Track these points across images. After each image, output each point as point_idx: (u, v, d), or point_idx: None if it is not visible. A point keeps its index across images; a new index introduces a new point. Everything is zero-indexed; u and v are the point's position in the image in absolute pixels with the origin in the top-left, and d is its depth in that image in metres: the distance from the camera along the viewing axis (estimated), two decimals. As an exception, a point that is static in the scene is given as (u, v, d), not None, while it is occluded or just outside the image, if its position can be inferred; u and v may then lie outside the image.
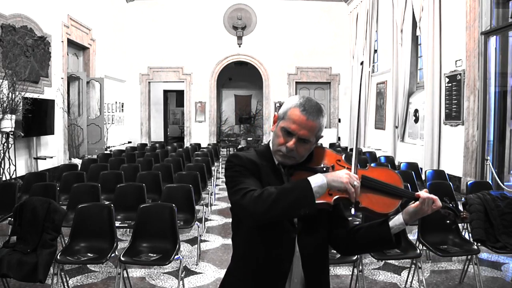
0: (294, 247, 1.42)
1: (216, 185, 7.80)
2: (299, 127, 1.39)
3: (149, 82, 13.37)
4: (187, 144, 12.49)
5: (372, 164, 5.69)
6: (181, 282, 3.34)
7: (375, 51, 11.35)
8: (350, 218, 1.55)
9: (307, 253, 1.44)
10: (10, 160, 6.27)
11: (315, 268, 1.45)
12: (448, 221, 1.47)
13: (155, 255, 3.17)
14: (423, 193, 1.40)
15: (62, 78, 8.46)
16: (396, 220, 1.44)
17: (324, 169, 1.43)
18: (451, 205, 1.46)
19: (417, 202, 1.39)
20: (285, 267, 1.41)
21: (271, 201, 1.27)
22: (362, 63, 1.81)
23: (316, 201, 1.28)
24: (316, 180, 1.29)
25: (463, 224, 4.19)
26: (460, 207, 1.54)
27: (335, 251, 1.80)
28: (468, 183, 4.67)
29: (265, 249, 1.42)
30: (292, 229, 1.42)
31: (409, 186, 4.26)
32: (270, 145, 1.51)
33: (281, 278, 1.41)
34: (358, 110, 1.72)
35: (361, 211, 1.41)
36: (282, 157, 1.43)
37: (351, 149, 9.49)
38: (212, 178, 7.06)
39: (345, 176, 1.31)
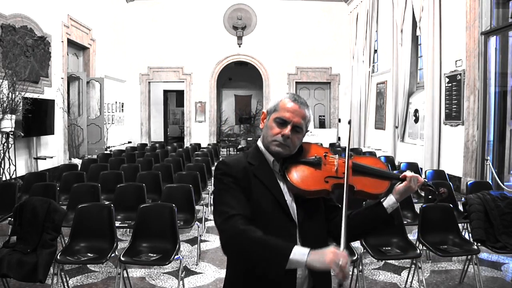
0: (295, 243, 1.40)
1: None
2: (293, 115, 1.47)
3: (149, 82, 13.37)
4: (187, 144, 12.49)
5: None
6: (181, 282, 3.34)
7: (375, 51, 11.35)
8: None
9: (308, 246, 1.40)
10: (10, 160, 6.27)
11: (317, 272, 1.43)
12: (430, 196, 1.60)
13: (155, 255, 3.17)
14: (408, 173, 1.53)
15: (62, 78, 8.46)
16: (389, 200, 1.53)
17: (317, 158, 1.53)
18: (430, 185, 1.60)
19: (406, 181, 1.51)
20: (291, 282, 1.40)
21: (247, 245, 1.28)
22: (349, 122, 1.88)
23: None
24: (299, 253, 1.25)
25: (463, 224, 4.19)
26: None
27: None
28: (468, 183, 4.67)
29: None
30: (291, 225, 1.44)
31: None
32: (260, 144, 1.54)
33: (287, 276, 1.37)
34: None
35: (356, 195, 1.52)
36: (279, 146, 1.47)
37: (352, 149, 9.47)
38: (212, 178, 7.05)
39: (329, 256, 1.23)
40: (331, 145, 10.58)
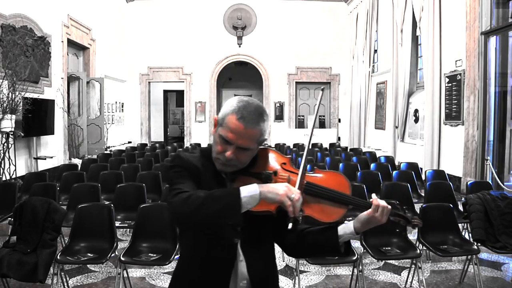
0: (236, 252, 1.36)
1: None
2: (237, 137, 1.30)
3: (149, 82, 13.38)
4: (187, 144, 12.50)
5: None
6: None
7: (375, 51, 11.35)
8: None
9: (251, 257, 1.39)
10: (10, 160, 6.27)
11: (260, 272, 1.40)
12: (397, 230, 1.41)
13: (155, 255, 3.17)
14: (377, 200, 1.32)
15: (62, 78, 8.46)
16: (346, 228, 1.37)
17: (267, 175, 1.35)
18: (401, 212, 1.37)
19: (370, 210, 1.31)
20: (225, 271, 1.37)
21: (197, 205, 1.20)
22: (323, 89, 1.70)
23: (256, 209, 1.23)
24: (249, 190, 1.21)
25: (463, 224, 4.19)
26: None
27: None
28: (468, 183, 4.66)
29: (207, 252, 1.38)
30: (234, 234, 1.36)
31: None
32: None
33: (222, 281, 1.37)
34: (313, 123, 1.62)
35: (305, 219, 1.35)
36: (222, 165, 1.36)
37: (351, 149, 9.49)
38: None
39: (283, 188, 1.22)
40: (331, 145, 10.59)
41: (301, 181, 1.32)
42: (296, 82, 13.44)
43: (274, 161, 1.41)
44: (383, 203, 1.31)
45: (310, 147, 1.58)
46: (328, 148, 9.92)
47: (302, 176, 1.34)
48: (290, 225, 1.25)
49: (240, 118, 1.30)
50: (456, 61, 7.14)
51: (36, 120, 6.86)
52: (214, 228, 1.33)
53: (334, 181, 1.38)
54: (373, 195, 1.34)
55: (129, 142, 12.34)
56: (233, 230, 1.35)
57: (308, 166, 1.44)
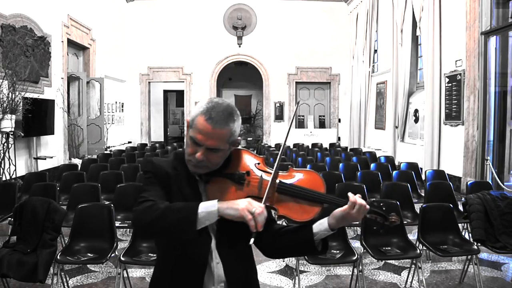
0: (207, 255, 1.36)
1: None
2: (205, 137, 1.29)
3: (149, 82, 13.38)
4: (187, 144, 12.47)
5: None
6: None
7: (375, 51, 11.35)
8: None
9: (228, 260, 1.38)
10: (10, 160, 6.27)
11: (238, 274, 1.40)
12: (375, 227, 1.37)
13: (155, 255, 3.16)
14: (354, 197, 1.30)
15: (62, 78, 8.46)
16: (321, 225, 1.34)
17: (239, 175, 1.35)
18: (377, 209, 1.36)
19: (346, 206, 1.30)
20: (198, 274, 1.36)
21: (155, 216, 1.22)
22: (298, 103, 1.65)
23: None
24: (206, 206, 1.23)
25: (463, 224, 4.19)
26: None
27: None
28: (468, 183, 4.66)
29: (180, 254, 1.38)
30: (207, 237, 1.36)
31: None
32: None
33: (196, 283, 1.36)
34: (287, 134, 1.61)
35: (281, 219, 1.34)
36: (193, 167, 1.35)
37: (351, 149, 9.49)
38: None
39: (244, 203, 1.22)
40: (331, 145, 10.59)
41: (273, 181, 1.32)
42: (296, 82, 13.44)
43: (247, 161, 1.40)
44: (360, 201, 1.29)
45: (284, 147, 1.58)
46: (328, 148, 9.92)
47: (275, 176, 1.33)
48: (251, 240, 1.23)
49: (208, 119, 1.29)
50: (456, 61, 7.14)
51: (36, 120, 6.86)
52: (173, 240, 1.35)
53: (308, 180, 1.37)
54: (350, 193, 1.32)
55: (129, 142, 12.34)
56: (206, 234, 1.34)
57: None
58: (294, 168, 1.41)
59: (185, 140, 1.37)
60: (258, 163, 1.40)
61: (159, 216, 1.22)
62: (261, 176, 1.36)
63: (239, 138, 1.37)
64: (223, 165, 1.38)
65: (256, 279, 1.51)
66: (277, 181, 1.34)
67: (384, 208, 1.37)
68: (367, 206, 1.31)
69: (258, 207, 1.22)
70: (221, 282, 1.38)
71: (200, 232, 1.24)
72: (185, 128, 1.39)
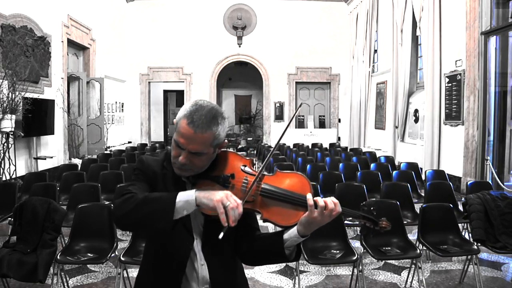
0: (187, 255, 1.36)
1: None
2: (187, 141, 1.27)
3: (149, 82, 13.38)
4: (187, 144, 12.45)
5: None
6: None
7: (375, 51, 11.35)
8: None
9: (213, 262, 1.38)
10: (10, 160, 6.27)
11: (222, 278, 1.39)
12: (364, 233, 1.33)
13: (155, 255, 3.16)
14: (311, 200, 1.25)
15: (62, 78, 8.46)
16: (291, 232, 1.31)
17: (224, 178, 1.34)
18: (367, 214, 1.31)
19: (308, 211, 1.25)
20: (177, 274, 1.36)
21: (132, 206, 1.22)
22: (300, 105, 1.60)
23: (212, 213, 1.20)
24: (185, 195, 1.21)
25: (463, 224, 4.19)
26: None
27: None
28: (468, 183, 4.67)
29: (161, 252, 1.39)
30: (188, 238, 1.36)
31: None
32: None
33: (174, 283, 1.36)
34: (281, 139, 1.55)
35: (266, 222, 1.32)
36: (178, 169, 1.34)
37: (351, 149, 9.49)
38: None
39: (220, 195, 1.19)
40: (331, 145, 10.59)
41: (257, 183, 1.30)
42: (296, 82, 13.44)
43: (233, 163, 1.38)
44: (321, 202, 1.24)
45: (273, 151, 1.57)
46: (328, 148, 9.92)
47: (261, 178, 1.31)
48: (221, 235, 1.20)
49: (190, 123, 1.26)
50: (456, 61, 7.14)
51: (36, 120, 6.86)
52: (150, 230, 1.35)
53: (294, 183, 1.33)
54: (308, 195, 1.27)
55: (129, 142, 12.34)
56: (188, 233, 1.35)
57: (275, 168, 1.40)
58: (281, 171, 1.38)
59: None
60: (245, 165, 1.38)
61: (136, 206, 1.22)
62: (246, 178, 1.34)
63: (225, 140, 1.35)
64: (210, 167, 1.36)
65: (243, 282, 1.50)
66: (262, 184, 1.32)
67: (375, 213, 1.33)
68: (338, 208, 1.25)
69: (233, 201, 1.19)
70: (206, 283, 1.37)
71: (176, 223, 1.23)
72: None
